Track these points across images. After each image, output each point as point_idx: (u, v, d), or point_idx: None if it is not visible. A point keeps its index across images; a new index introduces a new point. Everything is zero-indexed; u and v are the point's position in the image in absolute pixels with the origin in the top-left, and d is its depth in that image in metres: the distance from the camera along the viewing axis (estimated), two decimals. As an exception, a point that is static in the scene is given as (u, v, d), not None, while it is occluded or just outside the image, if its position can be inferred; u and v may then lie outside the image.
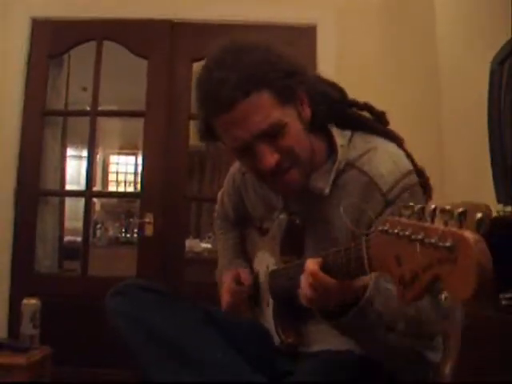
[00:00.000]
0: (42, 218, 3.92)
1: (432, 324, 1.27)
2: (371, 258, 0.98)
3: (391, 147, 1.43)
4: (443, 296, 0.76)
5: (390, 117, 1.51)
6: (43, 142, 3.88)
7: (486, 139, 2.34)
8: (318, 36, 3.65)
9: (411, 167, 1.39)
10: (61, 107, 4.25)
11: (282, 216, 1.51)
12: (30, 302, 2.81)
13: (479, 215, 0.72)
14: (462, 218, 0.73)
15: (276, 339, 1.51)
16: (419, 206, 0.80)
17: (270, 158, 1.33)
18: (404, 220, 0.83)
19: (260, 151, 1.34)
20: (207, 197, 8.22)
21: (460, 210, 0.73)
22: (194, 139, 3.82)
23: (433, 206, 0.77)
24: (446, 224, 0.74)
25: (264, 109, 1.31)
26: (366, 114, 1.52)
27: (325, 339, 1.41)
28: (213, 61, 1.35)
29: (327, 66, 3.44)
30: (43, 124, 3.87)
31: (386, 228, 0.88)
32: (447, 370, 1.51)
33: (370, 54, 3.58)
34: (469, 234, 0.70)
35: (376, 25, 3.64)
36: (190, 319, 1.43)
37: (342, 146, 1.43)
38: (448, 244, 0.72)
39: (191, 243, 5.86)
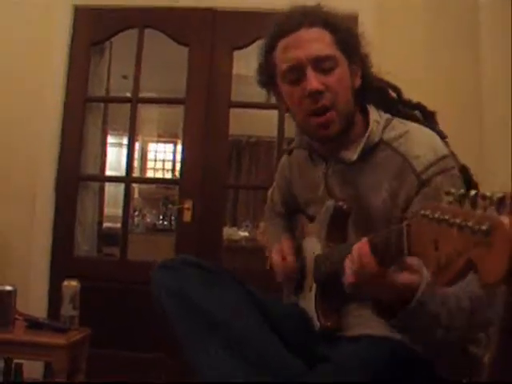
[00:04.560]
0: (82, 203, 3.97)
1: (485, 311, 1.25)
2: (411, 242, 0.98)
3: (429, 132, 1.45)
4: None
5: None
6: (84, 129, 3.93)
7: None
8: (359, 25, 3.61)
9: (448, 153, 1.39)
10: (102, 95, 4.30)
11: (330, 202, 1.51)
12: (71, 284, 2.85)
13: None
14: (501, 204, 0.73)
15: (316, 324, 1.51)
16: (461, 191, 0.80)
17: (316, 82, 1.42)
18: (444, 205, 0.83)
19: (309, 75, 1.42)
20: (245, 185, 8.31)
21: (499, 195, 0.73)
22: (233, 128, 3.86)
23: (473, 192, 0.77)
24: (485, 210, 0.74)
25: (324, 42, 1.45)
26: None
27: (365, 324, 1.41)
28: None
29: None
30: (85, 110, 3.91)
31: (426, 213, 0.88)
32: (486, 358, 1.50)
33: (411, 45, 3.53)
34: (505, 219, 0.71)
35: (418, 17, 3.60)
36: (232, 297, 1.44)
37: (376, 121, 1.47)
38: (484, 228, 0.72)
39: (229, 231, 5.90)
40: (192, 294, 1.41)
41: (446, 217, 0.81)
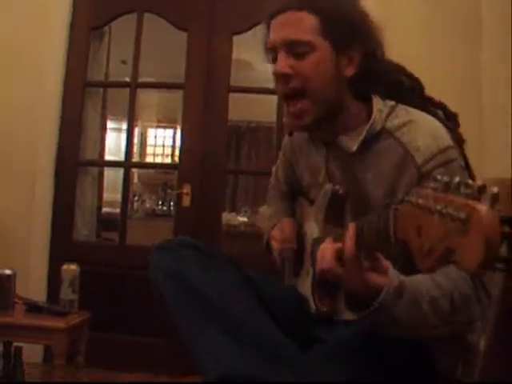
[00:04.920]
0: (81, 188, 3.98)
1: (471, 309, 1.27)
2: (397, 228, 0.99)
3: (433, 122, 1.43)
4: None
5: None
6: (84, 113, 3.93)
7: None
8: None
9: (451, 143, 1.38)
10: (101, 79, 4.29)
11: (328, 186, 1.52)
12: (70, 268, 2.87)
13: (495, 190, 0.73)
14: (481, 192, 0.74)
15: (312, 307, 1.53)
16: (445, 179, 0.81)
17: (284, 65, 1.42)
18: (429, 191, 0.84)
19: (279, 57, 1.43)
20: (245, 170, 8.32)
21: (479, 184, 0.74)
22: (232, 114, 3.86)
23: (457, 180, 0.78)
24: (467, 197, 0.75)
25: (303, 26, 1.41)
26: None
27: None
28: None
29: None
30: (84, 95, 3.91)
31: (412, 199, 0.89)
32: (481, 346, 1.52)
33: (411, 30, 3.52)
34: (481, 207, 0.72)
35: (420, 2, 3.58)
36: (229, 281, 1.45)
37: (379, 110, 1.44)
38: (462, 215, 0.73)
39: (228, 216, 5.91)
40: (189, 276, 1.41)
41: (429, 203, 0.82)
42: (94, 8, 3.87)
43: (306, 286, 1.59)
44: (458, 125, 1.49)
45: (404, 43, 3.43)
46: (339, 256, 1.18)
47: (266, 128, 7.69)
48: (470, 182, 0.75)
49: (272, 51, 1.47)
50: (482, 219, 0.71)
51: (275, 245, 1.72)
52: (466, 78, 3.43)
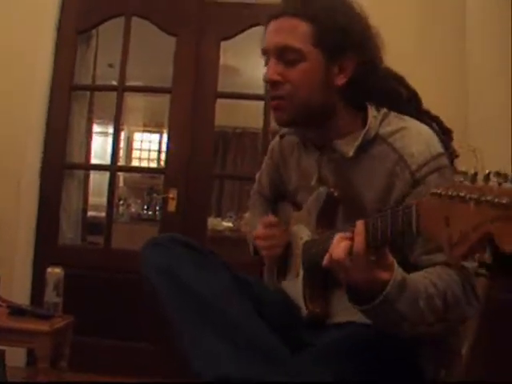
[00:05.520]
0: (67, 191, 3.97)
1: (462, 309, 1.31)
2: (420, 220, 1.02)
3: (425, 129, 1.44)
4: None
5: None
6: (70, 117, 3.92)
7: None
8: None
9: (442, 151, 1.40)
10: (88, 83, 4.28)
11: (322, 189, 1.53)
12: (55, 271, 2.86)
13: None
14: None
15: (303, 310, 1.53)
16: (472, 171, 0.83)
17: (273, 72, 1.45)
18: (457, 183, 0.87)
19: (270, 64, 1.46)
20: (231, 175, 8.32)
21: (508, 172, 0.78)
22: (219, 119, 3.87)
23: (487, 171, 0.81)
24: (500, 185, 0.78)
25: (295, 34, 1.43)
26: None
27: (351, 310, 1.42)
28: None
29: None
30: (70, 99, 3.90)
31: (438, 191, 0.91)
32: (464, 350, 1.54)
33: (404, 39, 3.54)
34: None
35: (411, 9, 3.61)
36: (222, 281, 1.45)
37: (374, 116, 1.46)
38: (504, 201, 0.76)
39: (213, 222, 5.91)
40: (181, 274, 1.41)
41: (461, 193, 0.84)
42: (81, 12, 3.87)
43: (295, 289, 1.60)
44: (451, 140, 1.51)
45: (398, 43, 3.45)
46: (350, 250, 1.19)
47: (252, 134, 7.71)
48: (502, 171, 0.78)
49: (265, 55, 1.49)
50: None
51: (261, 243, 1.70)
52: (455, 81, 3.45)
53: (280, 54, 1.44)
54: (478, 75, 3.30)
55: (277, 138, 1.80)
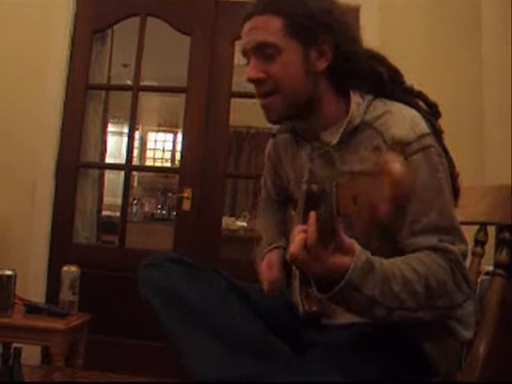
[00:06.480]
0: (82, 190, 3.99)
1: (451, 295, 1.30)
2: (339, 202, 1.01)
3: (409, 111, 1.44)
4: None
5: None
6: (85, 116, 3.94)
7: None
8: (360, 18, 3.58)
9: (427, 131, 1.40)
10: (103, 82, 4.31)
11: (304, 186, 1.53)
12: (70, 269, 2.87)
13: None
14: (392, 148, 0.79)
15: (301, 310, 1.53)
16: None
17: (254, 71, 1.47)
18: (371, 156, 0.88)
19: (251, 63, 1.48)
20: (245, 175, 8.32)
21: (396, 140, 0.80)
22: (233, 119, 3.87)
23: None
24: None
25: (268, 29, 1.45)
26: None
27: None
28: None
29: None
30: (86, 98, 3.92)
31: (353, 169, 0.92)
32: (481, 348, 1.52)
33: (413, 41, 3.53)
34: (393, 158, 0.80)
35: (421, 11, 3.59)
36: (215, 289, 1.46)
37: (357, 103, 1.46)
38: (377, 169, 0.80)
39: (227, 221, 5.90)
40: (178, 290, 1.43)
41: (364, 168, 0.87)
42: (96, 11, 3.89)
43: (294, 291, 1.60)
44: (439, 114, 1.51)
45: (407, 54, 3.45)
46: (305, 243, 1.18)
47: (266, 134, 7.65)
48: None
49: (246, 57, 1.51)
50: (388, 168, 0.80)
51: (264, 284, 1.70)
52: (469, 86, 3.44)
53: (258, 52, 1.46)
54: (492, 78, 3.30)
55: (270, 139, 1.81)
